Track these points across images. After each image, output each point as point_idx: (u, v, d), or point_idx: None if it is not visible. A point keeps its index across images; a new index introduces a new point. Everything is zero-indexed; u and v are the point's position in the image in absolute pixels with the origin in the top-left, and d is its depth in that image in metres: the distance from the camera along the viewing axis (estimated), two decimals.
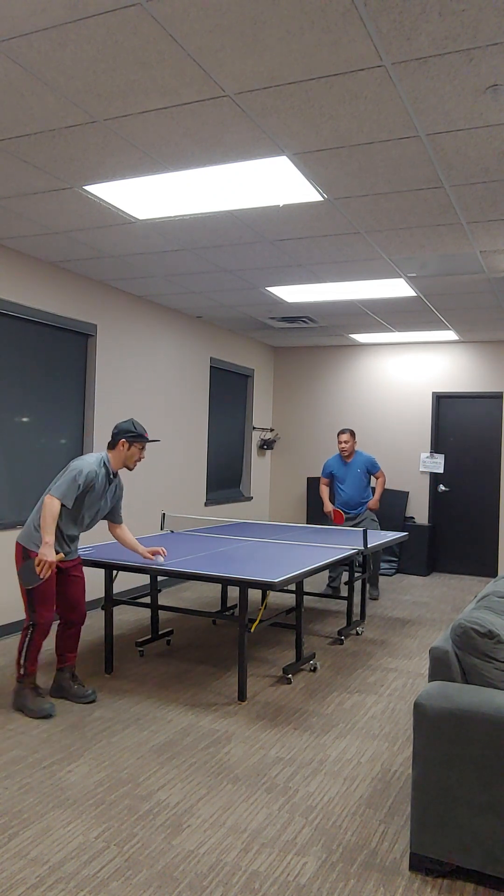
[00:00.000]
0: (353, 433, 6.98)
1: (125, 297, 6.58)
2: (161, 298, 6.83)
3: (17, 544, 3.85)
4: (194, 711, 3.90)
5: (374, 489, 7.09)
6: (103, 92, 2.85)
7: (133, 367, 6.72)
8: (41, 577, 3.69)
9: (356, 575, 5.92)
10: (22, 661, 3.82)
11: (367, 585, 6.80)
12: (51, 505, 3.71)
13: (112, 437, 4.05)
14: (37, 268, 5.51)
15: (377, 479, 7.05)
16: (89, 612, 6.12)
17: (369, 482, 7.06)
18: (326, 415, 9.33)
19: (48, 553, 3.66)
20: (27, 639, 3.80)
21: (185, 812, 2.86)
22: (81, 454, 6.16)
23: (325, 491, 7.07)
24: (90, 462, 3.90)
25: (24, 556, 3.79)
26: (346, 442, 6.92)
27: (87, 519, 3.98)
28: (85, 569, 6.06)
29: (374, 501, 6.97)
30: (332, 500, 7.12)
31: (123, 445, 4.02)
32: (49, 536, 3.67)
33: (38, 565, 3.67)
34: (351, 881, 2.42)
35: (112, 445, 4.04)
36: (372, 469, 6.99)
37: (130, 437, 4.01)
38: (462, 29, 2.33)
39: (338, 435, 6.99)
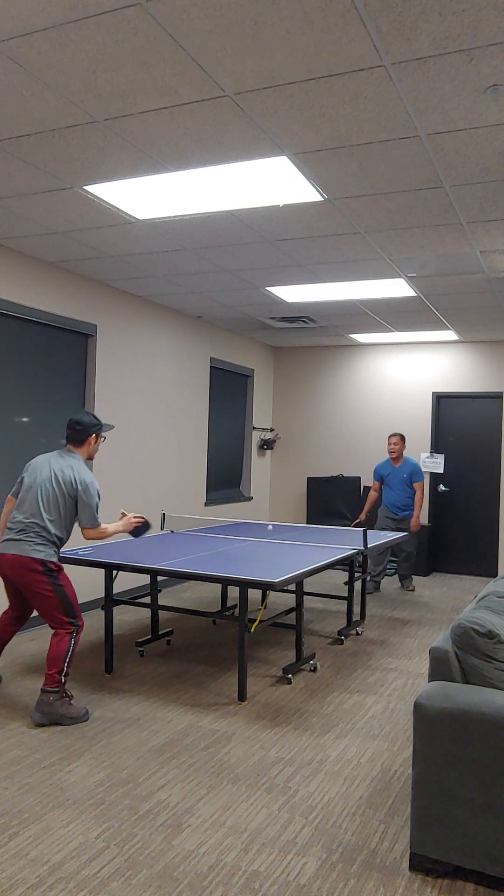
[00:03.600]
0: (402, 437, 7.16)
1: (125, 297, 6.58)
2: (161, 298, 6.83)
3: (26, 558, 3.68)
4: (194, 711, 3.90)
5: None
6: (103, 92, 2.85)
7: (133, 367, 6.72)
8: (144, 524, 4.13)
9: (356, 575, 5.91)
10: (65, 668, 3.69)
11: (401, 580, 7.39)
12: (101, 530, 3.83)
13: (77, 432, 3.92)
14: (37, 268, 5.51)
15: (416, 490, 7.15)
16: (90, 612, 6.12)
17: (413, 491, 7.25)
18: (326, 415, 9.33)
19: (125, 522, 4.08)
20: (72, 643, 3.71)
21: (185, 812, 2.86)
22: None
23: (372, 497, 7.33)
24: (86, 469, 3.87)
25: (47, 569, 3.70)
26: (395, 444, 7.11)
27: None
28: (85, 569, 6.10)
29: (415, 521, 7.11)
30: (377, 502, 7.42)
31: (94, 440, 3.97)
32: (115, 527, 3.93)
33: (135, 521, 4.06)
34: (351, 881, 2.42)
35: (80, 441, 3.94)
36: (415, 478, 7.12)
37: (98, 429, 3.96)
38: (462, 29, 2.33)
39: (388, 437, 7.22)
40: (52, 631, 3.77)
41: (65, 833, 2.69)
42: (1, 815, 2.81)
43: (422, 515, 8.66)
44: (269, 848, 2.62)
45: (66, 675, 3.69)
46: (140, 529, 4.18)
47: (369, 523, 7.48)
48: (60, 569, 3.77)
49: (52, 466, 3.83)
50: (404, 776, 3.22)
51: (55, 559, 3.75)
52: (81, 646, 5.08)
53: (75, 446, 3.94)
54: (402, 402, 8.89)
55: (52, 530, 3.75)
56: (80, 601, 6.06)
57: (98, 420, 3.96)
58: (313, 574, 4.23)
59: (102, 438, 4.01)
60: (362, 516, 7.33)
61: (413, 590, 7.37)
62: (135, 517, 4.14)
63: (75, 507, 3.80)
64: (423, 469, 8.65)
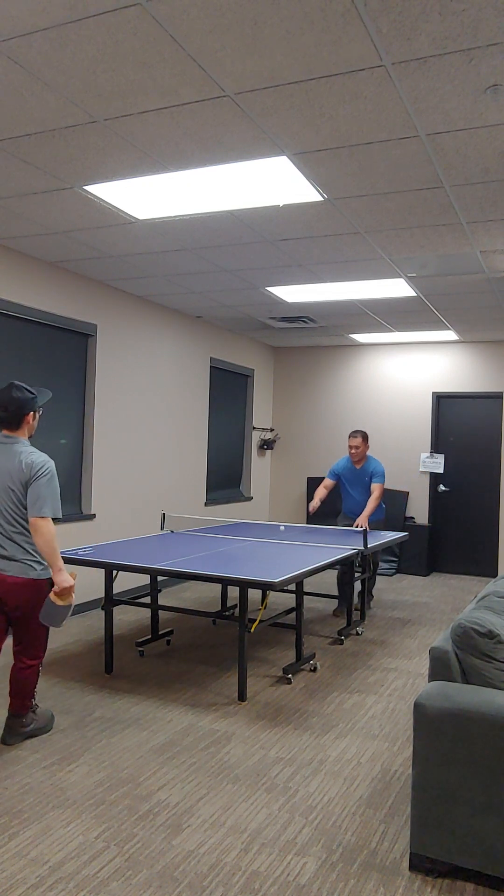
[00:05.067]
0: (365, 437, 6.21)
1: (125, 297, 6.58)
2: (161, 298, 6.83)
3: (30, 580, 3.26)
4: (194, 711, 3.90)
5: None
6: (103, 92, 2.84)
7: (133, 367, 6.72)
8: (70, 604, 3.28)
9: (356, 575, 5.91)
10: (35, 699, 3.50)
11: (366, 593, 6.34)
12: (48, 528, 3.20)
13: (11, 414, 3.31)
14: (37, 268, 5.51)
15: (372, 490, 6.17)
16: (90, 612, 6.13)
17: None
18: (326, 415, 9.33)
19: (67, 578, 3.25)
20: (39, 669, 3.48)
21: (185, 812, 2.86)
22: (81, 454, 6.17)
23: (321, 492, 6.33)
24: (38, 451, 3.33)
25: (49, 588, 3.31)
26: (356, 447, 6.18)
27: None
28: (85, 569, 6.10)
29: (362, 517, 6.06)
30: (336, 514, 6.59)
31: (33, 417, 3.38)
32: (60, 561, 3.23)
33: (62, 595, 3.25)
34: (351, 881, 2.42)
35: (18, 423, 3.33)
36: (374, 478, 6.18)
37: (35, 403, 3.36)
38: (462, 29, 2.33)
39: (349, 438, 6.24)
40: (20, 662, 3.39)
41: (65, 833, 2.69)
42: (1, 815, 2.81)
43: (421, 516, 8.66)
44: (269, 848, 2.62)
45: (35, 698, 3.49)
46: (54, 611, 3.27)
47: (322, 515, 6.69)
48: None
49: (5, 462, 3.27)
50: (404, 776, 3.22)
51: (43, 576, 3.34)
52: (81, 646, 5.08)
53: (13, 430, 3.34)
54: (402, 402, 8.89)
55: (26, 540, 3.31)
56: (79, 601, 6.06)
57: (32, 391, 3.34)
58: (313, 574, 4.23)
59: (40, 412, 3.42)
60: (316, 503, 6.29)
61: (339, 615, 6.29)
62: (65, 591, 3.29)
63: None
64: (423, 469, 8.65)
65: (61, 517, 3.33)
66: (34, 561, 3.31)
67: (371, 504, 6.11)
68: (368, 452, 6.52)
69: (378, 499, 6.15)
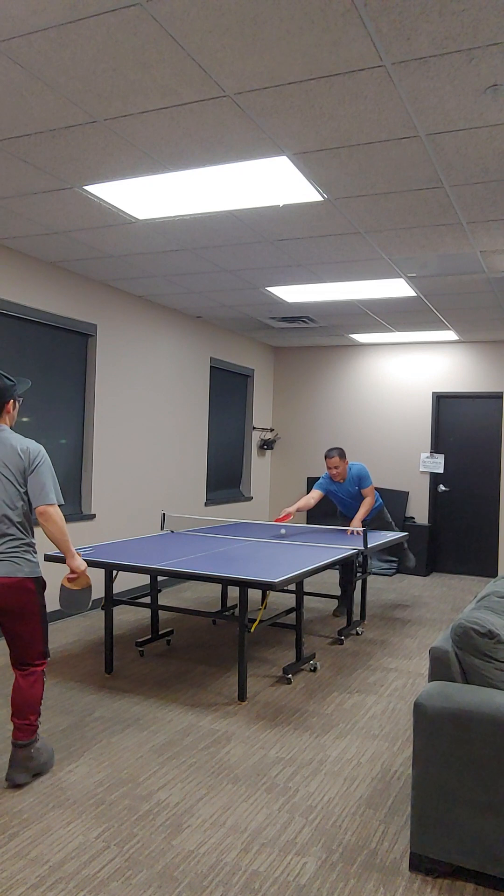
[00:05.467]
0: (342, 454, 6.03)
1: (125, 297, 6.58)
2: (161, 298, 6.83)
3: (27, 580, 3.03)
4: (194, 711, 3.90)
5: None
6: (103, 92, 2.84)
7: (133, 367, 6.72)
8: (90, 586, 3.23)
9: (357, 575, 5.91)
10: (40, 710, 3.15)
11: (404, 559, 6.67)
12: (59, 514, 3.06)
13: None
14: (37, 268, 5.51)
15: (364, 495, 6.11)
16: (90, 612, 6.13)
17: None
18: (326, 415, 9.33)
19: (81, 562, 3.21)
20: (44, 679, 3.17)
21: (185, 812, 2.86)
22: (81, 454, 6.17)
23: (306, 503, 6.03)
24: (24, 437, 3.14)
25: (41, 587, 3.11)
26: (335, 467, 6.01)
27: None
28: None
29: (356, 520, 6.01)
30: (335, 512, 6.53)
31: (13, 406, 3.17)
32: (72, 546, 3.14)
33: (79, 580, 3.19)
34: (351, 881, 2.42)
35: None
36: (362, 483, 6.09)
37: (14, 390, 3.16)
38: (462, 29, 2.33)
39: (325, 459, 6.05)
40: (21, 670, 3.10)
41: (65, 833, 2.69)
42: (1, 815, 2.81)
43: (421, 516, 8.66)
44: (269, 848, 2.62)
45: (40, 716, 3.15)
46: (78, 596, 3.27)
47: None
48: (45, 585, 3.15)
49: None
50: (404, 776, 3.22)
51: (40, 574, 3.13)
52: (81, 646, 5.08)
53: None
54: (402, 402, 8.89)
55: (27, 529, 3.09)
56: None
57: (11, 379, 3.15)
58: (313, 574, 4.23)
59: (19, 401, 3.22)
60: (292, 512, 6.00)
61: (337, 616, 6.25)
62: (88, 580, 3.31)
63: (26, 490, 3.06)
64: (423, 469, 8.64)
65: (63, 503, 3.15)
66: (25, 555, 3.04)
67: (364, 507, 6.07)
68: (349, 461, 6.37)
69: (371, 501, 6.11)
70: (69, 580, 3.27)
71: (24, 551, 3.04)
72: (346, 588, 5.76)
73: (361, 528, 5.72)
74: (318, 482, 6.28)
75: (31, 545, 3.09)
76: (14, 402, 3.18)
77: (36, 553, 3.11)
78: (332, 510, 8.93)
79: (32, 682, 3.10)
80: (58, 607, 5.71)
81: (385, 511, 6.56)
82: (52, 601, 5.80)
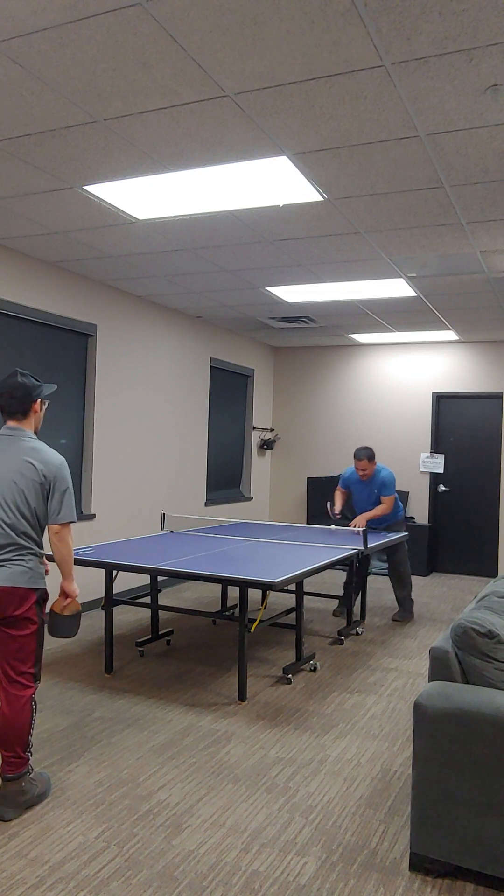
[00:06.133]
0: (370, 456, 6.01)
1: (125, 297, 6.58)
2: (161, 298, 6.83)
3: (25, 590, 2.85)
4: (194, 711, 3.90)
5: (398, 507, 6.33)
6: (103, 92, 2.84)
7: (133, 367, 6.72)
8: (80, 611, 3.12)
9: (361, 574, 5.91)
10: (31, 741, 2.90)
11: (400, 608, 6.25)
12: (70, 535, 2.97)
13: (18, 401, 2.97)
14: (37, 268, 5.51)
15: (382, 501, 6.11)
16: (90, 612, 6.12)
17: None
18: (326, 415, 9.33)
19: (76, 587, 3.07)
20: (34, 706, 2.91)
21: (185, 812, 2.86)
22: (81, 454, 6.17)
23: (338, 497, 6.25)
24: (51, 449, 3.01)
25: (42, 599, 2.95)
26: (363, 469, 6.04)
27: None
28: (85, 569, 6.10)
29: (361, 517, 6.01)
30: (351, 512, 6.50)
31: (38, 406, 3.05)
32: (72, 572, 3.03)
33: (72, 605, 3.07)
34: (351, 881, 2.42)
35: (25, 412, 2.99)
36: (382, 491, 6.06)
37: (41, 391, 3.05)
38: (462, 29, 2.33)
39: (354, 460, 6.07)
40: (6, 692, 2.84)
41: (65, 833, 2.69)
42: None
43: (421, 516, 8.66)
44: (269, 848, 2.62)
45: (31, 749, 2.90)
46: (66, 623, 3.11)
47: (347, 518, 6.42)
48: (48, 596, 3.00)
49: (11, 457, 2.91)
50: (404, 776, 3.22)
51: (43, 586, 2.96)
52: (81, 646, 5.08)
53: (19, 421, 2.99)
54: (402, 402, 8.89)
55: (36, 539, 2.94)
56: (80, 601, 6.05)
57: (38, 379, 3.06)
58: (313, 574, 4.23)
59: (46, 403, 3.10)
60: (339, 509, 6.17)
61: (338, 615, 6.25)
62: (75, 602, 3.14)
63: (45, 502, 2.92)
64: (423, 469, 8.64)
65: (75, 521, 3.03)
66: (29, 566, 2.89)
67: (377, 511, 6.03)
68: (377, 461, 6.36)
69: (387, 508, 6.05)
70: (62, 607, 3.08)
71: (28, 560, 2.87)
72: (349, 588, 5.76)
73: (363, 528, 5.68)
74: (341, 480, 6.33)
75: (36, 555, 2.92)
76: (41, 402, 3.06)
77: (42, 564, 2.94)
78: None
79: (19, 710, 2.83)
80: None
81: (402, 526, 6.40)
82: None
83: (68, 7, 2.30)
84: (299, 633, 4.60)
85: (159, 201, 4.07)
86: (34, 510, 2.90)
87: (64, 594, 3.06)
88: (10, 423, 3.00)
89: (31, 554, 2.90)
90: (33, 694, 2.88)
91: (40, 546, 2.96)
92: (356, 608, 6.33)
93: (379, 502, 6.14)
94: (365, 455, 6.01)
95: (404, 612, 6.20)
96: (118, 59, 2.60)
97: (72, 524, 2.96)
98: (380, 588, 7.60)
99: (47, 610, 3.06)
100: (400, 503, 6.38)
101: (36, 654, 2.91)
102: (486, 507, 8.52)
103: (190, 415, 7.72)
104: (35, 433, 3.03)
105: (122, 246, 5.04)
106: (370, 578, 8.08)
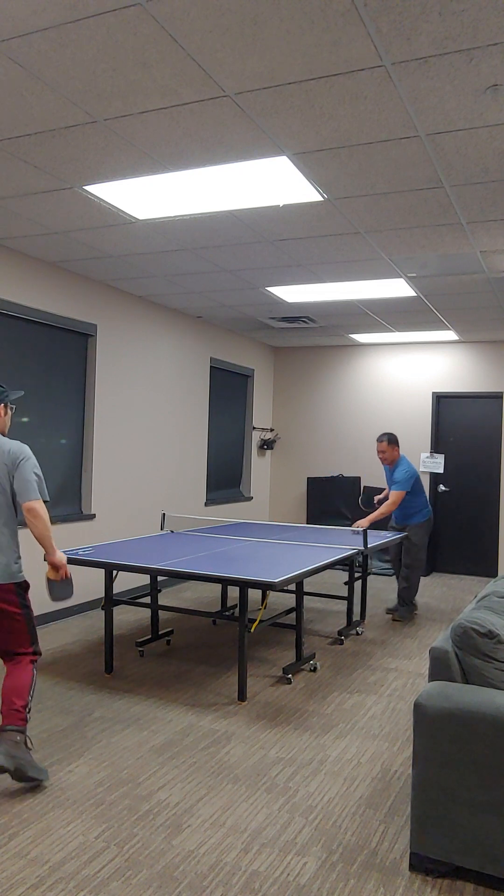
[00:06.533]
0: (390, 439, 6.09)
1: (125, 297, 6.58)
2: (161, 298, 6.83)
3: (16, 583, 3.12)
4: (194, 711, 3.90)
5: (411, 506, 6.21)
6: (103, 92, 2.84)
7: (133, 367, 6.72)
8: (69, 576, 3.33)
9: (356, 575, 5.91)
10: (30, 703, 3.11)
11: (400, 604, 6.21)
12: (44, 510, 3.12)
13: None
14: (37, 268, 5.51)
15: (389, 496, 6.11)
16: (90, 612, 6.13)
17: (409, 493, 6.09)
18: (326, 415, 9.33)
19: (62, 556, 3.28)
20: (34, 674, 3.17)
21: (185, 812, 2.86)
22: (81, 454, 6.17)
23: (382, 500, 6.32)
24: (9, 439, 3.21)
25: (22, 589, 3.16)
26: (381, 451, 6.14)
27: None
28: (85, 569, 6.10)
29: (363, 521, 5.98)
30: (341, 505, 6.68)
31: (2, 410, 3.26)
32: (53, 542, 3.21)
33: (60, 572, 3.27)
34: (351, 881, 2.42)
35: None
36: (393, 486, 6.05)
37: (6, 396, 3.27)
38: (462, 29, 2.33)
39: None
40: (9, 660, 3.16)
41: (65, 833, 2.69)
42: (1, 815, 2.81)
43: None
44: (269, 848, 2.62)
45: (29, 711, 3.09)
46: (61, 586, 3.35)
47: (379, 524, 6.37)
48: (29, 586, 3.21)
49: None
50: (404, 776, 3.22)
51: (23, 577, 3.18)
52: (81, 646, 5.08)
53: None
54: (402, 402, 8.89)
55: (15, 534, 3.17)
56: (80, 601, 6.07)
57: (3, 385, 3.30)
58: (313, 574, 4.23)
59: (12, 409, 3.33)
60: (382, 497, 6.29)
61: (397, 619, 6.17)
62: (67, 572, 3.37)
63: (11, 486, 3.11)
64: (423, 469, 8.63)
65: (49, 500, 3.21)
66: (8, 558, 3.11)
67: (381, 509, 6.01)
68: (401, 454, 6.25)
69: (392, 505, 6.00)
70: (54, 572, 3.32)
71: (7, 553, 3.12)
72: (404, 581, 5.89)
73: (362, 529, 5.61)
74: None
75: (15, 548, 3.17)
76: (5, 408, 3.27)
77: (20, 558, 3.18)
78: (331, 510, 8.95)
79: (21, 670, 3.12)
80: (48, 608, 5.71)
81: (419, 534, 6.16)
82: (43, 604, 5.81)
83: (68, 7, 2.30)
84: (299, 633, 4.60)
85: (159, 201, 4.07)
86: (12, 501, 3.14)
87: (53, 566, 3.28)
88: None
89: (12, 550, 3.15)
90: (35, 661, 3.20)
91: (18, 546, 3.20)
92: (356, 608, 6.33)
93: (404, 500, 6.12)
94: (384, 437, 6.14)
95: (399, 607, 6.19)
96: (118, 59, 2.60)
97: (42, 501, 3.14)
98: (380, 588, 7.60)
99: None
100: (420, 504, 6.19)
101: (31, 635, 3.19)
102: (486, 507, 8.52)
103: (190, 415, 7.72)
104: (2, 433, 3.26)
105: (122, 246, 5.04)
106: (370, 578, 8.08)
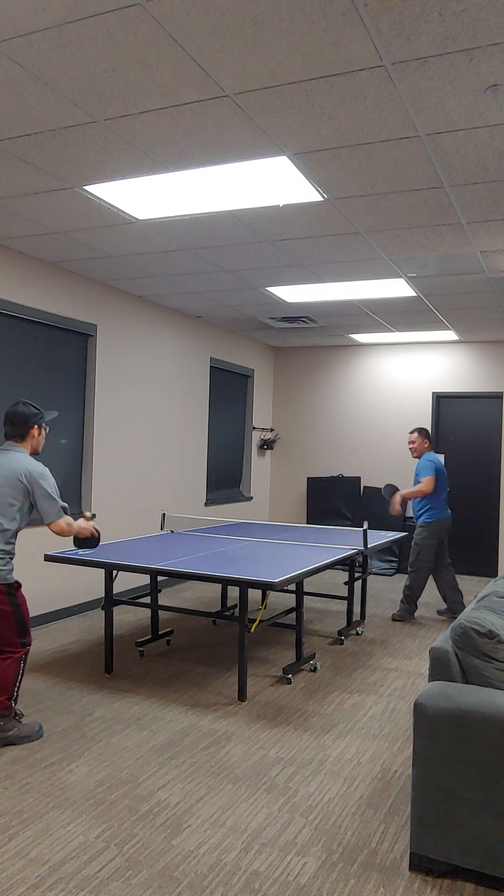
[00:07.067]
0: (421, 432, 6.28)
1: (125, 297, 6.58)
2: (161, 298, 6.83)
3: (5, 585, 3.38)
4: (194, 711, 3.90)
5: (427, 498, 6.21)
6: (103, 92, 2.84)
7: (133, 367, 6.72)
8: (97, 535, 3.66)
9: (356, 575, 5.91)
10: (15, 693, 3.44)
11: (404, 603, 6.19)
12: (65, 522, 3.44)
13: (16, 426, 3.53)
14: (37, 268, 5.51)
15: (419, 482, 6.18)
16: (90, 612, 6.13)
17: (434, 493, 6.12)
18: (326, 415, 9.33)
19: (85, 526, 3.59)
20: (22, 666, 3.45)
21: (185, 812, 2.86)
22: (81, 454, 6.17)
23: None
24: (34, 460, 3.51)
25: (11, 590, 3.41)
26: (412, 442, 6.31)
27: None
28: (85, 569, 6.10)
29: (397, 496, 6.17)
30: (341, 505, 6.70)
31: (37, 432, 3.57)
32: (78, 525, 3.54)
33: (88, 531, 3.60)
34: (351, 881, 2.42)
35: (22, 436, 3.53)
36: (419, 472, 6.19)
37: (40, 419, 3.58)
38: (462, 29, 2.33)
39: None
40: None
41: (65, 833, 2.69)
42: (1, 815, 2.81)
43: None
44: (269, 848, 2.62)
45: (16, 699, 3.45)
46: (89, 542, 3.71)
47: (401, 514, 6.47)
48: (20, 586, 3.47)
49: (2, 466, 3.43)
50: (404, 776, 3.22)
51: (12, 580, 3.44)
52: (81, 646, 5.08)
53: (17, 441, 3.55)
54: (402, 402, 8.89)
55: (9, 539, 3.41)
56: (79, 601, 6.07)
57: (39, 409, 3.58)
58: (313, 574, 4.23)
59: (46, 429, 3.64)
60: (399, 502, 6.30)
61: (396, 619, 6.19)
62: (94, 527, 3.69)
63: (29, 506, 3.44)
64: None
65: (67, 512, 3.52)
66: (5, 564, 3.40)
67: (411, 489, 6.19)
68: (428, 449, 6.31)
69: (419, 491, 6.08)
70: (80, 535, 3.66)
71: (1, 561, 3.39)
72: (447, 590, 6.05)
73: (400, 502, 6.03)
74: None
75: (8, 553, 3.41)
76: (39, 429, 3.59)
77: (10, 561, 3.42)
78: (331, 510, 8.95)
79: (6, 666, 3.39)
80: (49, 608, 5.72)
81: (423, 534, 6.11)
82: (43, 600, 5.80)
83: (68, 7, 2.30)
84: (299, 633, 4.60)
85: (159, 201, 4.07)
86: (14, 516, 3.41)
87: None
88: (8, 442, 3.57)
89: (4, 553, 3.38)
90: (22, 656, 3.43)
91: (13, 551, 3.46)
92: (356, 608, 6.33)
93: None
94: (415, 430, 6.33)
95: (401, 610, 6.20)
96: (118, 59, 2.60)
97: (63, 515, 3.48)
98: (380, 588, 7.60)
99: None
100: (433, 504, 6.13)
101: (19, 629, 3.40)
102: (486, 507, 8.52)
103: (190, 415, 7.72)
104: (36, 453, 3.59)
105: (122, 246, 5.04)
106: (370, 578, 8.08)
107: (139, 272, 5.78)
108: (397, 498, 6.19)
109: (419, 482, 6.13)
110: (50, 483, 3.43)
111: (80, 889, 2.34)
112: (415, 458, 6.37)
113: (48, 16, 2.35)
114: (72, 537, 3.64)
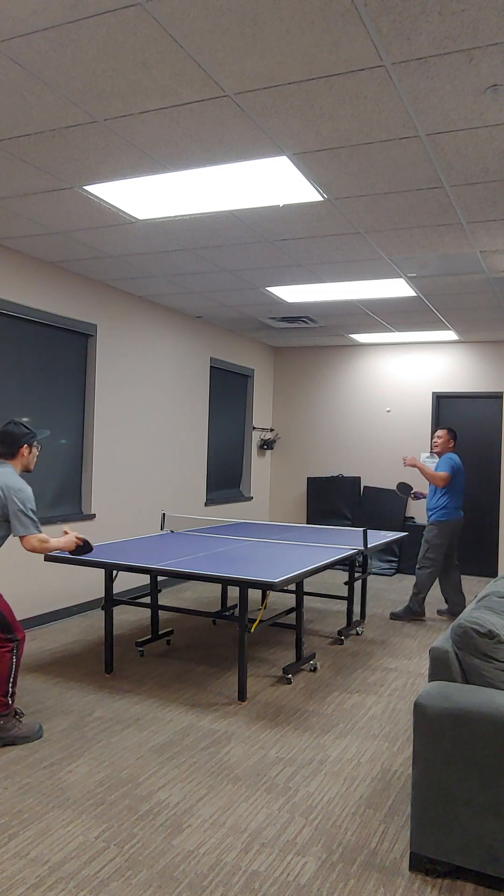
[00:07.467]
0: (450, 431, 6.35)
1: (125, 297, 6.58)
2: (161, 298, 6.83)
3: None
4: (194, 711, 3.90)
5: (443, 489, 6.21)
6: (103, 92, 2.84)
7: (133, 367, 6.72)
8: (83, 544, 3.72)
9: (356, 575, 5.91)
10: (10, 689, 3.46)
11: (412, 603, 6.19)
12: (36, 539, 3.47)
13: (6, 445, 3.64)
14: (37, 268, 5.51)
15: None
16: (90, 612, 6.13)
17: (446, 490, 6.13)
18: (326, 415, 9.33)
19: (69, 540, 3.65)
20: (14, 661, 3.47)
21: (185, 812, 2.86)
22: (81, 454, 6.17)
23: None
24: (16, 477, 3.58)
25: None
26: (438, 437, 6.34)
27: None
28: (85, 569, 6.10)
29: (412, 458, 6.31)
30: (340, 504, 6.71)
31: (27, 451, 3.67)
32: (57, 542, 3.57)
33: (72, 543, 3.66)
34: (351, 881, 2.42)
35: (12, 454, 3.64)
36: (439, 467, 6.20)
37: (30, 438, 3.68)
38: (462, 29, 2.33)
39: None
40: None
41: (65, 833, 2.69)
42: (1, 815, 2.81)
43: (421, 516, 8.65)
44: (269, 848, 2.62)
45: (12, 695, 3.47)
46: (81, 549, 3.75)
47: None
48: None
49: None
50: (404, 776, 3.22)
51: None
52: (81, 646, 5.08)
53: (7, 459, 3.66)
54: (402, 402, 8.89)
55: None
56: (79, 601, 6.06)
57: (29, 429, 3.68)
58: (313, 574, 4.23)
59: (37, 447, 3.73)
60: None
61: (396, 618, 6.25)
62: (77, 537, 3.72)
63: (6, 520, 3.50)
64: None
65: (40, 530, 3.54)
66: None
67: (428, 468, 6.23)
68: (451, 449, 6.33)
69: (433, 476, 6.11)
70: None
71: None
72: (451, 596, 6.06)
73: (413, 464, 6.17)
74: None
75: None
76: (30, 447, 3.67)
77: None
78: (331, 510, 8.95)
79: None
80: (49, 608, 5.71)
81: (433, 532, 6.11)
82: (35, 601, 5.78)
83: (68, 7, 2.30)
84: (299, 633, 4.60)
85: (159, 201, 4.07)
86: (3, 525, 3.49)
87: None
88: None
89: None
90: (12, 650, 3.46)
91: None
92: (356, 608, 6.33)
93: (436, 492, 6.18)
94: (444, 428, 6.40)
95: (404, 609, 6.20)
96: (118, 59, 2.60)
97: (34, 532, 3.51)
98: (380, 588, 7.60)
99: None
100: (446, 503, 6.11)
101: (2, 627, 3.45)
102: (486, 507, 8.52)
103: (190, 415, 7.72)
104: (28, 471, 3.69)
105: (122, 246, 5.04)
106: (370, 578, 8.08)
107: (139, 272, 5.78)
108: (411, 459, 6.28)
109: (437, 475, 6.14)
110: (24, 499, 3.47)
111: (80, 889, 2.35)
112: (435, 453, 6.38)
113: (48, 16, 2.35)
114: (66, 552, 3.68)
